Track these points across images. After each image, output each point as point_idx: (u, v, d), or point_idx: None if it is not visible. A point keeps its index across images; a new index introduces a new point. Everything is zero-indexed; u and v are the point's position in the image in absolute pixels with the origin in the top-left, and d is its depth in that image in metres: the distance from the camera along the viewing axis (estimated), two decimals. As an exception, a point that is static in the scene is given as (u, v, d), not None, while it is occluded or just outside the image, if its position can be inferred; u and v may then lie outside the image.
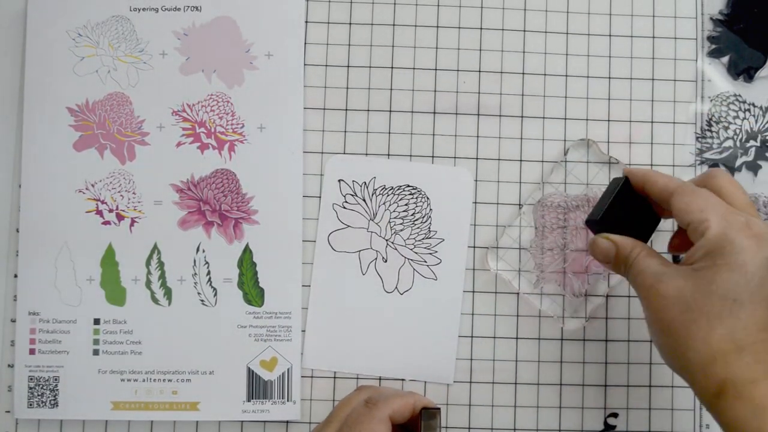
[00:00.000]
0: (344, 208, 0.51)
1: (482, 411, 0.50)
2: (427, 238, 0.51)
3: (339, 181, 0.51)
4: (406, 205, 0.51)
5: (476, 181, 0.51)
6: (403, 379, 0.50)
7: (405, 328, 0.50)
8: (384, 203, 0.51)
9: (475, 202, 0.51)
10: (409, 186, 0.51)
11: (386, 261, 0.50)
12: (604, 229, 0.44)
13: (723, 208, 0.39)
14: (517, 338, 0.51)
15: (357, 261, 0.51)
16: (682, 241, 0.44)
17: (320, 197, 0.51)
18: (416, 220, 0.51)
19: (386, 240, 0.50)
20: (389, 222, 0.51)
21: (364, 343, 0.50)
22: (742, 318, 0.37)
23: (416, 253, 0.50)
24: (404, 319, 0.50)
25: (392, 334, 0.50)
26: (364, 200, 0.51)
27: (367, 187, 0.51)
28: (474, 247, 0.51)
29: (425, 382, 0.50)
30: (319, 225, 0.51)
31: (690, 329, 0.37)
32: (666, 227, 0.51)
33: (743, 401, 0.36)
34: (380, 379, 0.50)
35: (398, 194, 0.51)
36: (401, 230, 0.51)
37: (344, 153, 0.51)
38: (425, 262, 0.50)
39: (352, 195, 0.51)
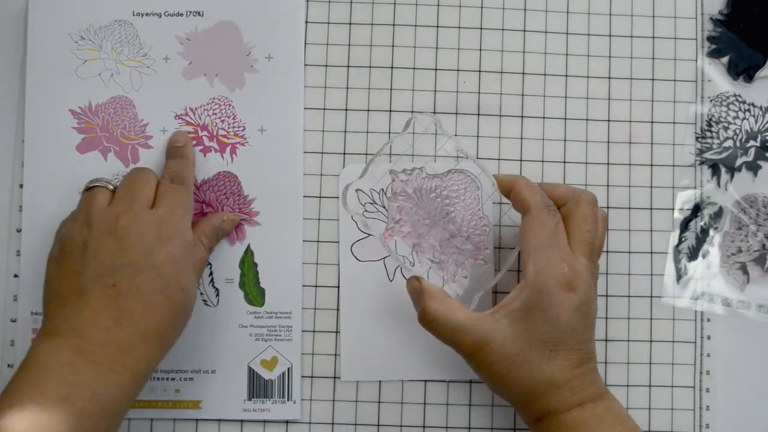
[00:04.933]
0: (364, 217, 0.50)
1: (482, 411, 0.50)
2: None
3: (357, 191, 0.51)
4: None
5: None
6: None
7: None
8: None
9: (475, 202, 0.51)
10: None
11: (413, 265, 0.49)
12: None
13: (547, 248, 0.42)
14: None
15: (383, 269, 0.51)
16: None
17: (338, 210, 0.51)
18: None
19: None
20: None
21: (397, 348, 0.50)
22: (558, 363, 0.41)
23: None
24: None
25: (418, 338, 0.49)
26: (383, 207, 0.50)
27: (385, 194, 0.51)
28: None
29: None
30: (340, 237, 0.51)
31: (513, 377, 0.41)
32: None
33: (560, 426, 0.40)
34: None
35: None
36: None
37: (344, 153, 0.51)
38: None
39: (371, 203, 0.51)
